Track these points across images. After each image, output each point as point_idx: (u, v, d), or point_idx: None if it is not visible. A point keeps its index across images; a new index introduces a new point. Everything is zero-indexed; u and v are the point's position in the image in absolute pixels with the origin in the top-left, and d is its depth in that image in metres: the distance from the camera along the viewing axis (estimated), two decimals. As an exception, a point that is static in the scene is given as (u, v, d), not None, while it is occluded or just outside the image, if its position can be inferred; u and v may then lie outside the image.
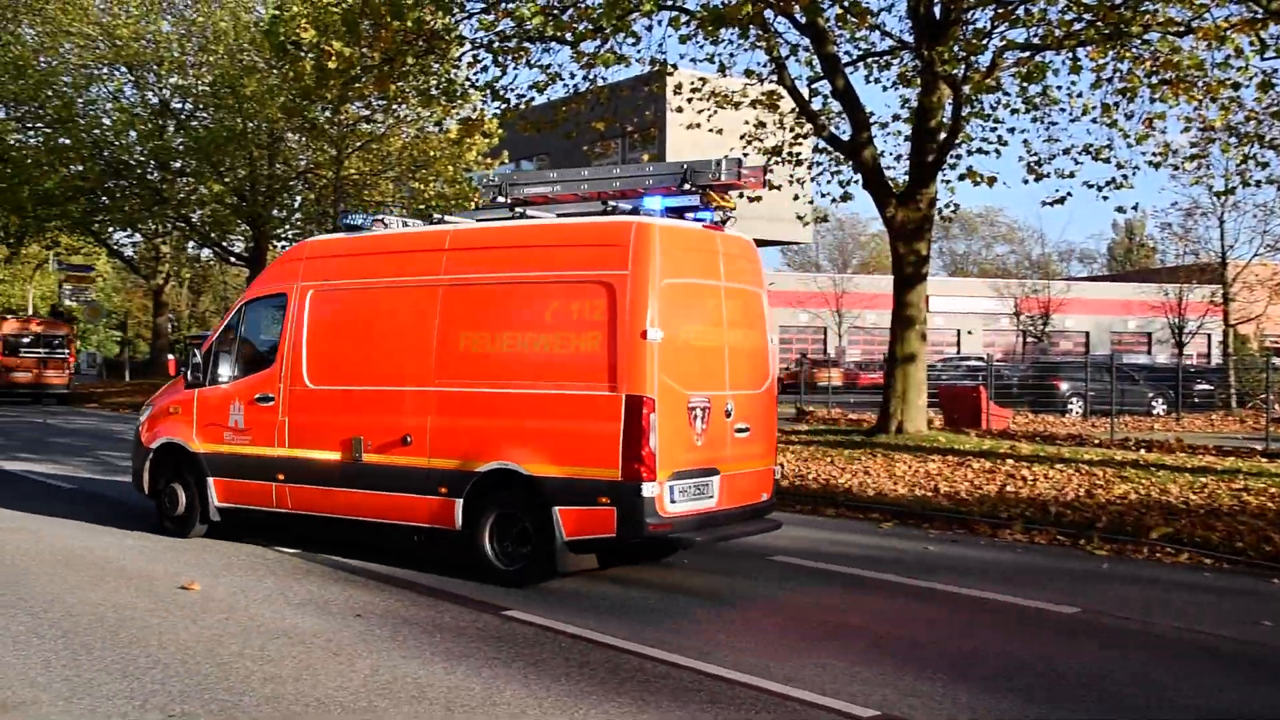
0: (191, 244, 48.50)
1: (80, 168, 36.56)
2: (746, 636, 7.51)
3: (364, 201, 35.27)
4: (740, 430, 9.34)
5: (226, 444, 10.81)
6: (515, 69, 18.74)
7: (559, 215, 9.58)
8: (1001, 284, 58.19)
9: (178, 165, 37.34)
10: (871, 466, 15.76)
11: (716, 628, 7.75)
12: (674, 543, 8.88)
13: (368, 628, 7.61)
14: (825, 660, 6.94)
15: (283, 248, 48.54)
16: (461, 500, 9.19)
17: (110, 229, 41.16)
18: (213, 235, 40.23)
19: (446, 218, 10.38)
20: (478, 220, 10.02)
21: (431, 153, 33.25)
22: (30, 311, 59.52)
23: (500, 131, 27.71)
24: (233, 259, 42.31)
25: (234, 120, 34.25)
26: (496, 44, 18.51)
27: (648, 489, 8.45)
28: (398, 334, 9.79)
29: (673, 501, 8.66)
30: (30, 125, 37.86)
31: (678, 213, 9.26)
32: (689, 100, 20.26)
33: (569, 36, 17.60)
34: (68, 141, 36.14)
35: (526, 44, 18.40)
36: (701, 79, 20.62)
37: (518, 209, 9.93)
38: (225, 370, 10.95)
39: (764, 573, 9.74)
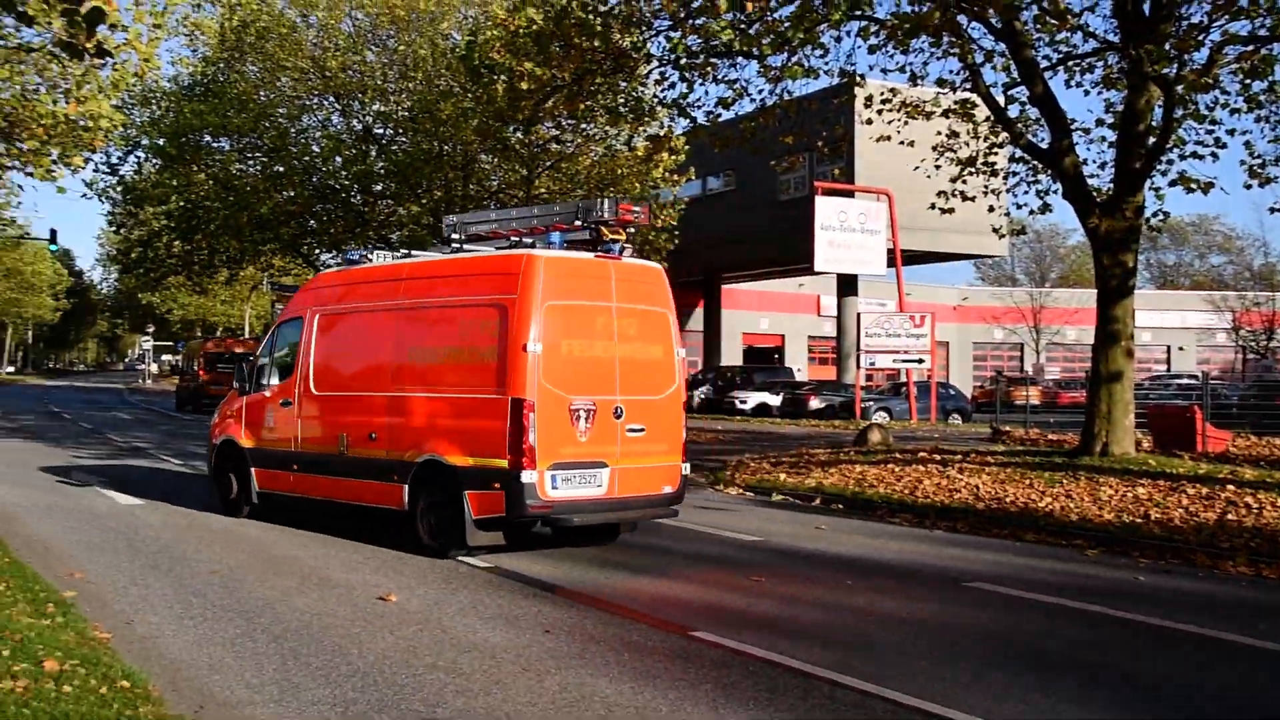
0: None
1: (291, 193, 38.63)
2: (944, 665, 7.22)
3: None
4: (633, 430, 11.06)
5: (263, 440, 13.38)
6: (702, 85, 18.80)
7: (497, 249, 11.61)
8: (1218, 297, 54.89)
9: (378, 188, 39.00)
10: (1074, 490, 15.03)
11: (913, 655, 7.48)
12: (555, 523, 10.67)
13: (556, 644, 7.66)
14: (1030, 696, 6.59)
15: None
16: (406, 486, 11.26)
17: (317, 250, 43.30)
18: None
19: (412, 253, 12.95)
20: (432, 254, 12.39)
21: (619, 170, 33.67)
22: (247, 332, 62.88)
23: (686, 148, 27.86)
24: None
25: (431, 143, 35.55)
26: (684, 60, 18.59)
27: (526, 475, 10.37)
28: (369, 349, 12.15)
29: (554, 487, 10.52)
30: (250, 155, 40.29)
31: (589, 245, 11.24)
32: (879, 112, 19.88)
33: (756, 51, 17.52)
34: (281, 169, 38.27)
35: (714, 59, 18.41)
36: (892, 90, 20.22)
37: (455, 243, 12.16)
38: (264, 380, 13.51)
39: (960, 599, 9.38)
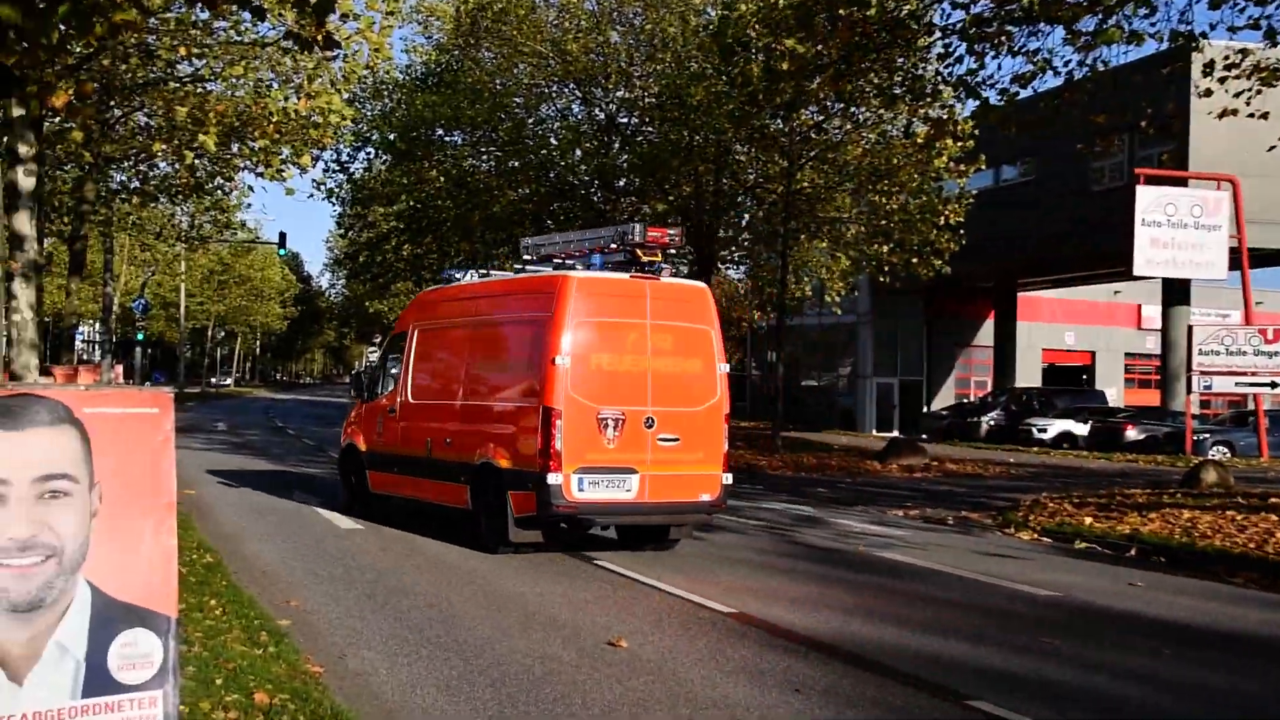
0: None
1: (527, 190, 40.06)
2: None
3: (816, 218, 35.88)
4: (665, 439, 13.40)
5: (374, 444, 16.67)
6: (995, 58, 18.32)
7: (553, 268, 14.50)
8: None
9: (621, 183, 39.93)
10: None
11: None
12: (580, 523, 14.08)
13: (807, 705, 7.59)
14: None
15: (728, 270, 50.49)
16: (469, 486, 14.10)
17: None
18: (656, 257, 42.41)
19: (490, 273, 15.88)
20: (505, 275, 15.54)
21: (894, 160, 33.23)
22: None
23: (975, 133, 27.15)
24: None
25: (679, 133, 36.08)
26: (973, 30, 18.15)
27: (553, 478, 12.91)
28: (448, 361, 15.32)
29: (580, 490, 13.01)
30: (484, 150, 42.03)
31: (623, 266, 13.84)
32: (1221, 80, 18.71)
33: (1063, 14, 16.90)
34: (516, 164, 39.76)
35: (1009, 27, 17.90)
36: (1241, 51, 18.93)
37: (525, 263, 15.23)
38: (378, 389, 16.82)
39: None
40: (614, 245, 14.11)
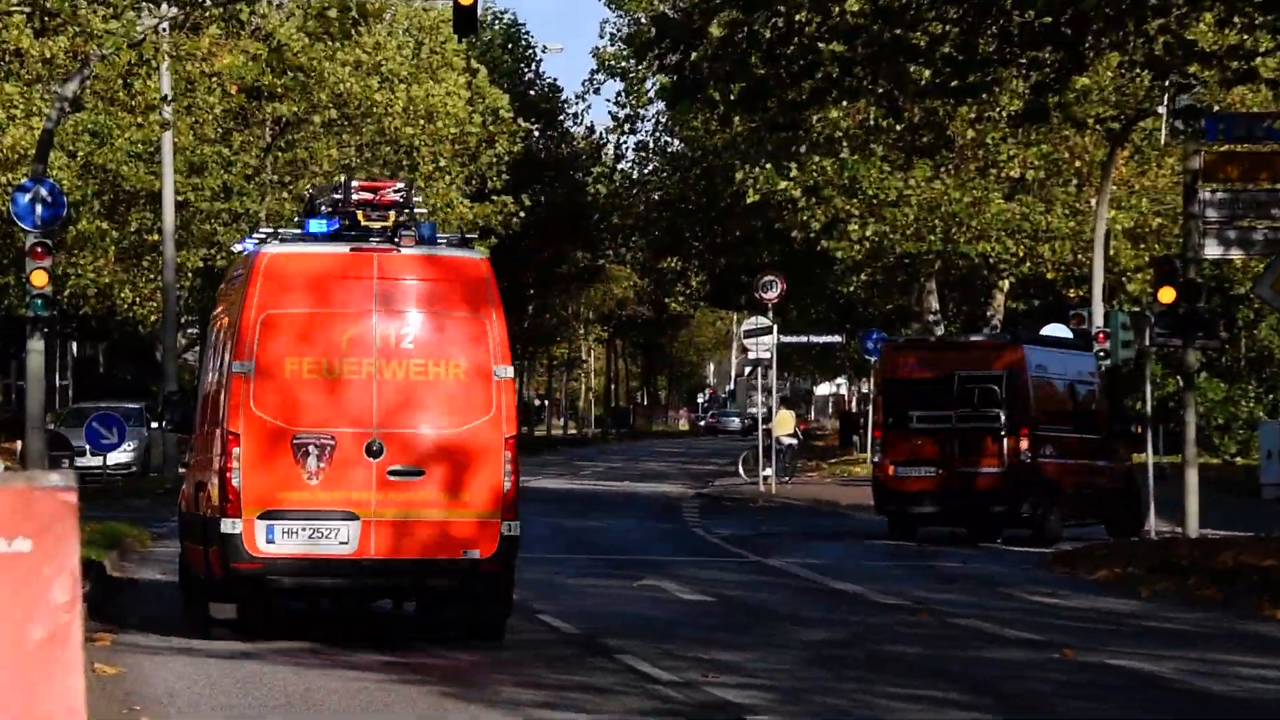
0: None
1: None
2: None
3: None
4: (401, 473, 10.49)
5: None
6: None
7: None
8: None
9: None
10: None
11: None
12: (270, 587, 10.59)
13: None
14: None
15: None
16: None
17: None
18: None
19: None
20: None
21: None
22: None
23: None
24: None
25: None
26: None
27: (227, 525, 10.23)
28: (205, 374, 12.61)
29: (269, 541, 10.27)
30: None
31: (343, 236, 10.94)
32: None
33: None
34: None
35: None
36: None
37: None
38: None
39: None
40: (325, 208, 11.39)
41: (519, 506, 10.83)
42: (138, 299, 37.56)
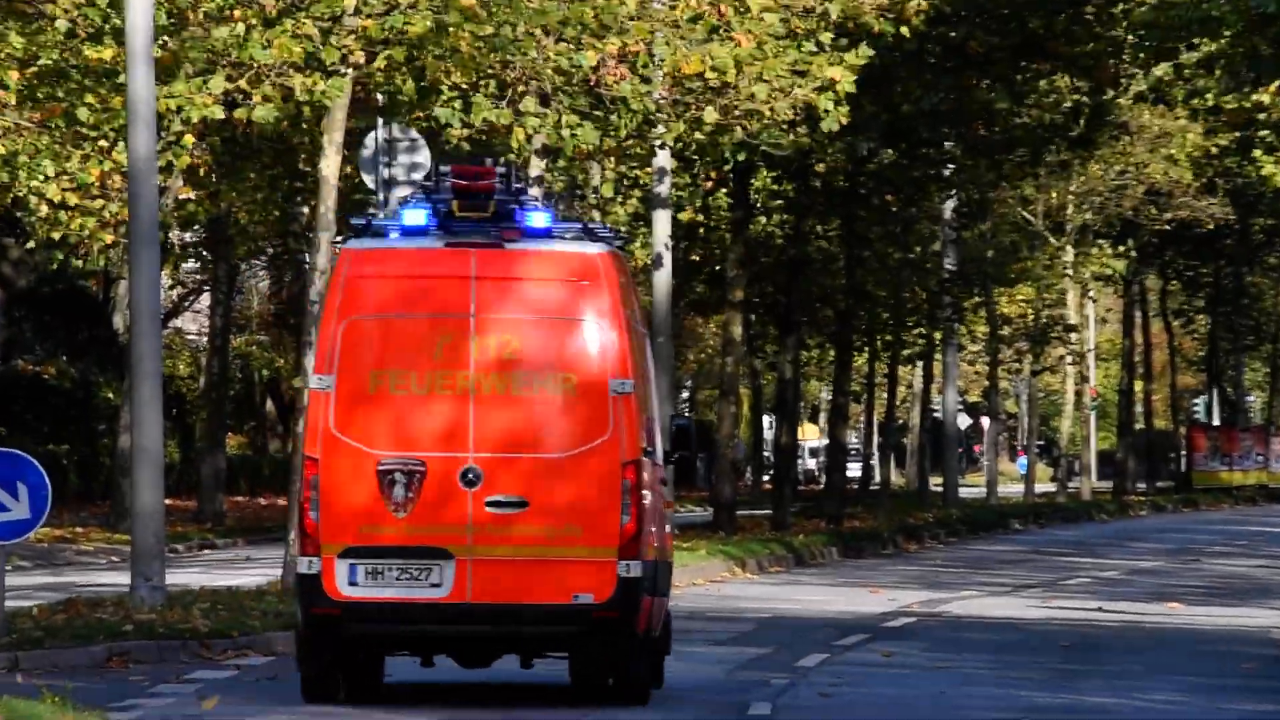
0: None
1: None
2: None
3: None
4: (501, 503, 9.73)
5: None
6: None
7: None
8: None
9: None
10: None
11: None
12: (353, 635, 9.70)
13: None
14: None
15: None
16: None
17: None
18: None
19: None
20: None
21: None
22: None
23: None
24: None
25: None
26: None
27: (305, 564, 9.71)
28: None
29: (352, 583, 9.62)
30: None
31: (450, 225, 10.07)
32: None
33: None
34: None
35: None
36: None
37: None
38: None
39: None
40: (419, 197, 10.96)
41: (646, 543, 9.85)
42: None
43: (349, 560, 9.67)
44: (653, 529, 10.29)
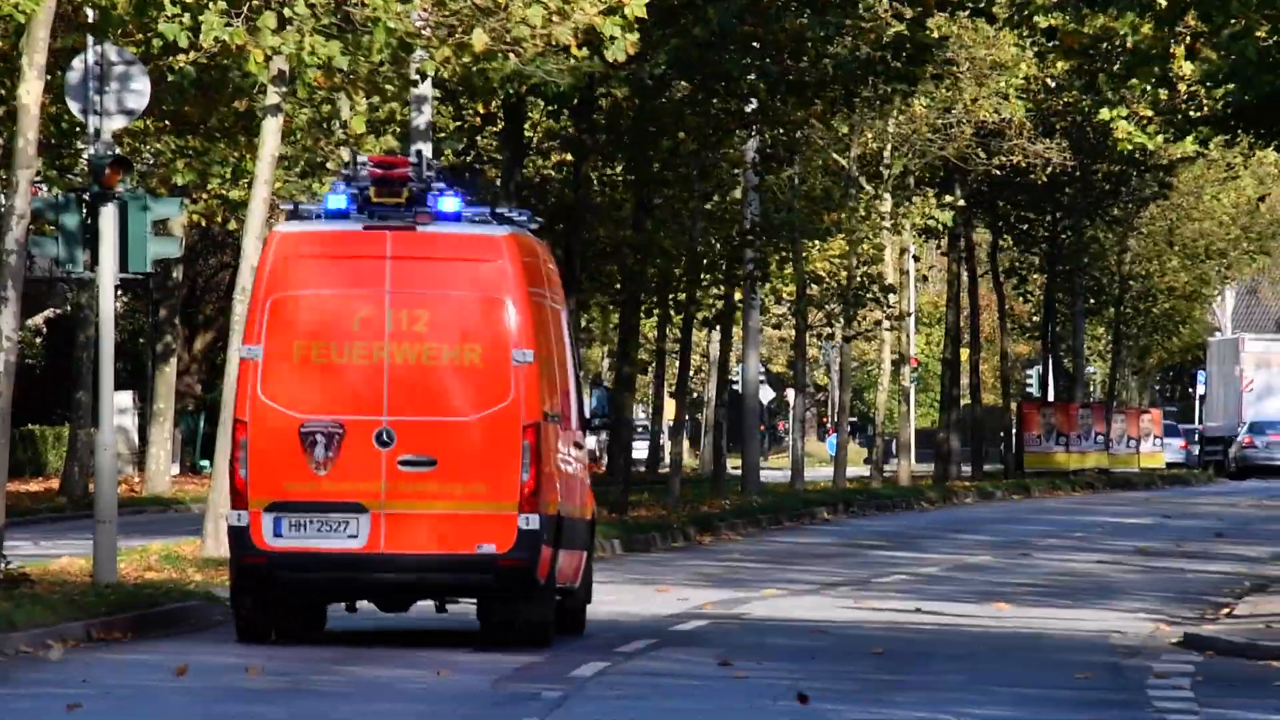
0: None
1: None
2: None
3: None
4: (412, 463, 12.73)
5: None
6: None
7: None
8: None
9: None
10: None
11: None
12: (276, 582, 12.70)
13: None
14: None
15: None
16: None
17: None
18: None
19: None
20: None
21: None
22: None
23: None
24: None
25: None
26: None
27: (235, 517, 12.70)
28: None
29: (276, 534, 12.57)
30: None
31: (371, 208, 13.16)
32: None
33: None
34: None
35: None
36: None
37: None
38: None
39: None
40: (340, 187, 13.52)
41: (545, 499, 12.85)
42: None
43: (274, 514, 12.57)
44: (556, 486, 13.21)
